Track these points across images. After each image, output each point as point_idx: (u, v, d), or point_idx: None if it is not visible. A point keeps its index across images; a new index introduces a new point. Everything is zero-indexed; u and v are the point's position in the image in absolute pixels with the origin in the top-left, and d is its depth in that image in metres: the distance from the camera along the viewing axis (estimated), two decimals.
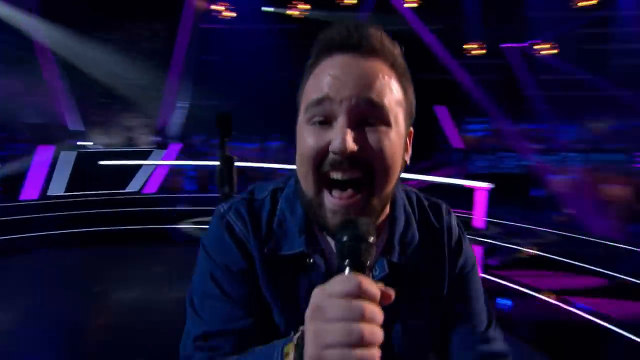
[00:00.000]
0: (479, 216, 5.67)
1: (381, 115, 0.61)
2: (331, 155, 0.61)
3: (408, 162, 0.68)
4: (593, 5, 11.97)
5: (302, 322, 0.61)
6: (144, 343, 3.01)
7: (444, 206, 0.79)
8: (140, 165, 10.07)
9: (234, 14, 12.75)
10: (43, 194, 9.08)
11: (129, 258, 4.99)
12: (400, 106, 0.65)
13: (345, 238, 0.50)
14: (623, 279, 4.44)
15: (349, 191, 0.62)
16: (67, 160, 9.65)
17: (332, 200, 0.62)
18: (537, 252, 5.45)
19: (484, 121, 12.43)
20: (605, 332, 3.29)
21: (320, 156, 0.62)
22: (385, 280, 0.63)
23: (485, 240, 5.69)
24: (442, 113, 12.48)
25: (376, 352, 0.44)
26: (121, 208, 7.85)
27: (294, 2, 12.65)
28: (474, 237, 5.37)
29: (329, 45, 0.64)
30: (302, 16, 13.13)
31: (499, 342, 0.75)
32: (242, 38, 12.63)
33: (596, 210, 6.98)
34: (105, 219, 6.81)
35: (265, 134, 12.01)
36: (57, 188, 9.36)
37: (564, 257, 5.07)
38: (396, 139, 0.63)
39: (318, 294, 0.47)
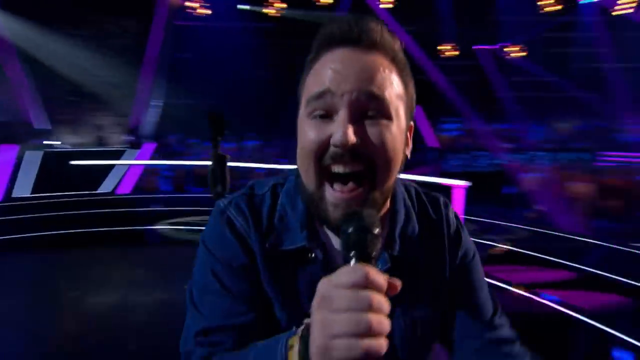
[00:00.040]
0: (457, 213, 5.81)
1: (382, 108, 0.61)
2: (332, 149, 0.61)
3: (409, 156, 0.69)
4: (558, 10, 12.51)
5: (303, 317, 0.61)
6: (123, 348, 2.94)
7: (441, 199, 0.80)
8: (112, 165, 9.76)
9: (208, 12, 12.56)
10: (7, 196, 8.68)
11: (103, 261, 4.84)
12: (401, 100, 0.65)
13: (350, 229, 0.50)
14: (590, 271, 4.68)
15: (350, 185, 0.62)
16: (32, 160, 9.24)
17: (333, 194, 0.62)
18: (511, 248, 5.66)
19: (459, 121, 12.76)
20: (575, 323, 3.45)
21: (321, 150, 0.62)
22: (387, 273, 0.65)
23: None
24: (417, 113, 12.65)
25: (383, 342, 0.45)
26: (94, 209, 7.59)
27: (270, 1, 12.57)
28: None
29: (329, 39, 0.64)
30: (279, 15, 13.08)
31: (506, 329, 0.76)
32: (218, 36, 12.45)
33: (563, 206, 7.31)
34: (77, 220, 6.57)
35: (242, 133, 11.89)
36: (23, 189, 8.96)
37: (535, 252, 5.29)
38: (397, 132, 0.63)
39: (325, 285, 0.47)
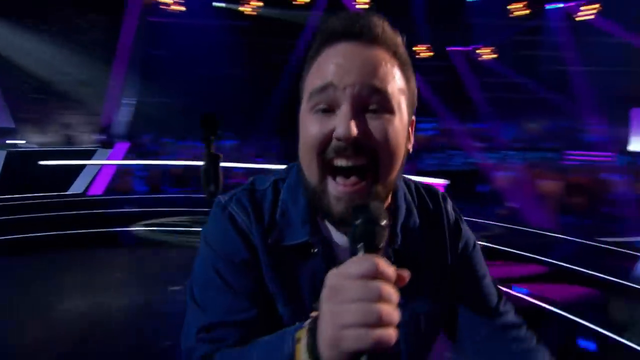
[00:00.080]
0: None
1: (384, 102, 0.61)
2: (335, 142, 0.61)
3: (411, 150, 0.69)
4: (527, 14, 13.00)
5: (305, 312, 0.61)
6: (99, 355, 2.85)
7: (440, 192, 0.81)
8: (83, 166, 9.42)
9: (183, 8, 12.31)
10: None
11: (76, 264, 4.67)
12: (403, 94, 0.65)
13: (358, 221, 0.50)
14: (559, 265, 4.90)
15: (353, 178, 0.62)
16: None
17: (336, 187, 0.62)
18: (485, 244, 5.84)
19: (434, 121, 13.04)
20: (547, 314, 3.61)
21: (324, 143, 0.62)
22: None
23: None
24: None
25: (393, 332, 0.45)
26: (64, 211, 7.31)
27: None
28: None
29: (331, 34, 0.64)
30: (255, 13, 12.97)
31: (511, 314, 0.77)
32: (193, 33, 12.22)
33: (534, 203, 7.61)
34: (46, 223, 6.31)
35: (219, 133, 11.72)
36: None
37: (508, 248, 5.49)
38: (400, 126, 0.63)
39: (334, 276, 0.47)
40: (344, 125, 0.59)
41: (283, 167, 0.78)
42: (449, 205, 0.81)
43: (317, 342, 0.48)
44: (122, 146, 10.49)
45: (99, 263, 4.73)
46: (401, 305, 0.68)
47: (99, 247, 5.31)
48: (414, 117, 0.69)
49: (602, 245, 5.84)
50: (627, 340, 3.15)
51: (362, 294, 0.45)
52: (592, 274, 4.53)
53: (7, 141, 10.02)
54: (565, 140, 12.03)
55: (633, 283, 4.41)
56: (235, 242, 0.68)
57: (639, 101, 10.76)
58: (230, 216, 0.70)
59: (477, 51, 13.74)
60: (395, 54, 0.65)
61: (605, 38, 12.10)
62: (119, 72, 11.88)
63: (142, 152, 10.55)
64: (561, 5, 13.02)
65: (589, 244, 5.92)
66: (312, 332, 0.50)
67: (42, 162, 8.74)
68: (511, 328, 0.75)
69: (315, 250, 0.67)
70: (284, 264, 0.68)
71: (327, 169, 0.63)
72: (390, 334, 0.44)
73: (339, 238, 0.69)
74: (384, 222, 0.50)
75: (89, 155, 9.96)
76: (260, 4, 12.82)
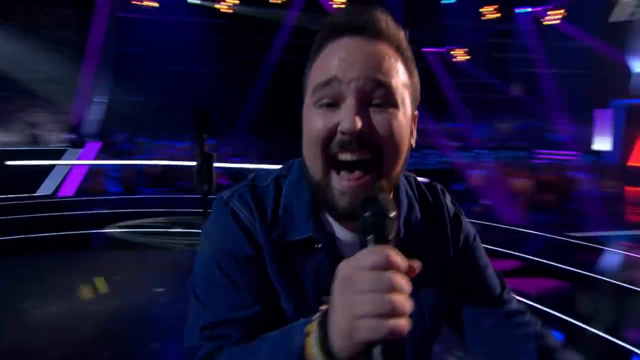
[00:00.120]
0: None
1: (389, 96, 0.61)
2: (340, 136, 0.61)
3: (414, 145, 0.69)
4: (497, 18, 13.44)
5: (309, 307, 0.63)
6: None
7: (439, 186, 0.82)
8: (52, 166, 9.05)
9: (156, 4, 12.03)
10: None
11: (47, 268, 4.48)
12: (407, 88, 0.65)
13: (367, 213, 0.50)
14: (532, 259, 5.10)
15: (357, 173, 0.61)
16: None
17: (340, 182, 0.62)
18: None
19: None
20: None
21: (328, 138, 0.61)
22: None
23: None
24: None
25: (406, 322, 0.45)
26: (33, 213, 7.00)
27: None
28: None
29: (334, 28, 0.64)
30: (231, 11, 12.82)
31: (514, 302, 0.78)
32: (167, 30, 11.96)
33: (506, 201, 7.88)
34: (13, 225, 6.03)
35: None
36: None
37: (483, 244, 5.65)
38: (404, 120, 0.63)
39: (346, 267, 0.48)
40: (349, 119, 0.59)
41: (262, 166, 0.77)
42: (448, 199, 0.81)
43: (329, 334, 0.48)
44: (94, 146, 10.14)
45: (71, 266, 4.55)
46: None
47: (72, 250, 5.12)
48: (416, 112, 0.69)
49: (571, 240, 6.12)
50: (593, 328, 3.33)
51: (375, 284, 0.45)
52: (562, 268, 4.75)
53: None
54: (535, 140, 12.53)
55: (599, 275, 4.65)
56: (238, 238, 0.67)
57: (602, 102, 11.31)
58: (233, 212, 0.69)
59: (452, 52, 14.09)
60: (398, 49, 0.65)
61: (570, 42, 12.67)
62: (89, 69, 11.48)
63: (115, 152, 10.23)
64: (529, 9, 13.54)
65: (559, 239, 6.19)
66: (323, 325, 0.49)
67: (8, 163, 8.33)
68: (515, 315, 0.76)
69: (319, 245, 0.67)
70: (288, 260, 0.67)
71: (331, 163, 0.62)
72: (404, 323, 0.45)
73: (342, 233, 0.69)
74: (392, 214, 0.50)
75: (58, 155, 9.58)
76: (237, 1, 12.69)
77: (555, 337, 0.74)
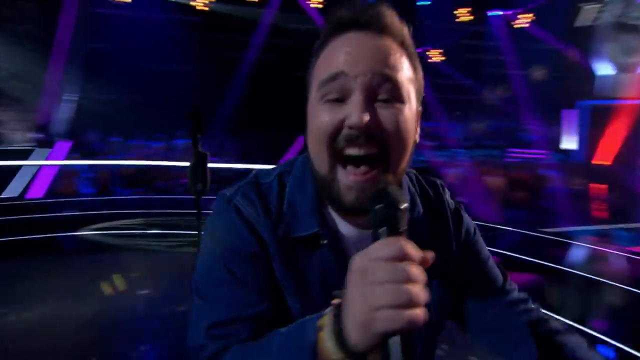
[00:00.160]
0: None
1: (395, 91, 0.61)
2: (347, 131, 0.60)
3: (418, 141, 0.68)
4: (471, 20, 13.80)
5: (314, 303, 0.63)
6: None
7: (439, 182, 0.83)
8: (18, 167, 8.65)
9: (128, 0, 11.68)
10: None
11: (16, 273, 4.29)
12: (412, 83, 0.65)
13: (379, 206, 0.50)
14: (507, 255, 5.28)
15: (363, 167, 0.61)
16: None
17: (347, 176, 0.62)
18: None
19: None
20: None
21: (335, 132, 0.61)
22: None
23: None
24: None
25: (423, 313, 0.45)
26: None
27: None
28: None
29: (339, 24, 0.64)
30: (206, 8, 12.62)
31: (516, 291, 0.80)
32: (140, 26, 11.63)
33: (481, 198, 8.11)
34: None
35: (171, 131, 11.27)
36: None
37: None
38: (409, 115, 0.63)
39: (361, 259, 0.48)
40: (357, 113, 0.59)
41: (241, 166, 0.76)
42: (447, 194, 0.82)
43: (344, 327, 0.48)
44: (64, 145, 9.76)
45: (43, 272, 4.37)
46: None
47: (44, 255, 4.93)
48: (420, 108, 0.70)
49: (542, 236, 6.38)
50: (563, 318, 3.49)
51: (391, 275, 0.45)
52: (534, 262, 4.95)
53: None
54: (507, 139, 12.94)
55: (567, 268, 4.88)
56: (244, 234, 0.67)
57: (570, 103, 11.80)
58: (237, 209, 0.68)
59: (427, 53, 14.36)
60: (402, 44, 0.65)
61: (540, 45, 13.16)
62: (57, 66, 11.03)
63: (87, 152, 9.87)
64: (501, 13, 13.98)
65: (531, 235, 6.43)
66: (338, 319, 0.49)
67: None
68: (518, 303, 0.78)
69: (325, 241, 0.67)
70: (293, 256, 0.67)
71: (338, 158, 0.62)
72: (420, 314, 0.45)
73: (345, 228, 0.69)
74: (404, 206, 0.50)
75: (24, 155, 9.16)
76: None
77: (556, 323, 0.77)
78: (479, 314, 0.77)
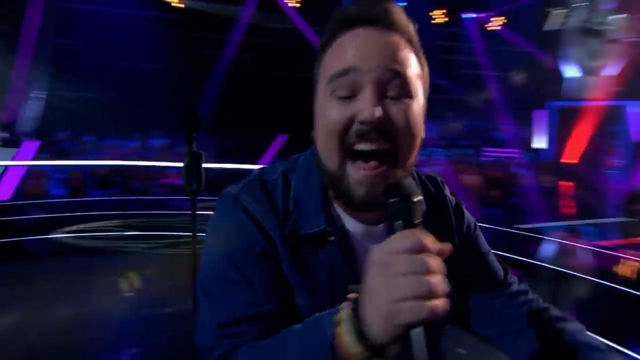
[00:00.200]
0: None
1: (404, 86, 0.62)
2: (358, 126, 0.60)
3: (424, 137, 0.69)
4: (446, 21, 14.10)
5: (322, 300, 0.64)
6: None
7: (439, 178, 0.84)
8: None
9: None
10: None
11: None
12: (420, 79, 0.66)
13: (394, 199, 0.50)
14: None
15: (373, 163, 0.62)
16: None
17: (357, 171, 0.62)
18: None
19: None
20: None
21: (345, 128, 0.61)
22: None
23: None
24: None
25: (444, 303, 0.46)
26: None
27: None
28: None
29: (347, 20, 0.65)
30: (182, 5, 12.38)
31: (517, 283, 0.81)
32: (113, 22, 11.28)
33: (459, 196, 8.29)
34: None
35: (147, 130, 10.99)
36: None
37: None
38: (418, 111, 0.64)
39: (380, 252, 0.48)
40: (368, 108, 0.59)
41: (221, 165, 0.75)
42: (447, 190, 0.83)
43: (364, 320, 0.48)
44: (31, 145, 9.35)
45: (14, 277, 4.18)
46: None
47: (13, 259, 4.72)
48: (426, 104, 0.70)
49: (515, 232, 6.60)
50: None
51: (412, 267, 0.45)
52: (509, 257, 5.12)
53: None
54: (482, 139, 13.31)
55: (539, 262, 5.08)
56: (251, 232, 0.66)
57: (539, 104, 12.24)
58: (243, 207, 0.67)
59: None
60: (409, 40, 0.66)
61: (511, 47, 13.60)
62: (23, 62, 10.56)
63: (57, 152, 9.49)
64: (474, 15, 14.35)
65: (505, 231, 6.64)
66: (356, 312, 0.49)
67: None
68: (521, 294, 0.80)
69: (332, 238, 0.67)
70: (300, 253, 0.67)
71: (348, 153, 0.62)
72: (442, 304, 0.45)
73: (352, 225, 0.69)
74: (418, 198, 0.50)
75: None
76: None
77: (558, 312, 0.79)
78: (483, 308, 0.79)
